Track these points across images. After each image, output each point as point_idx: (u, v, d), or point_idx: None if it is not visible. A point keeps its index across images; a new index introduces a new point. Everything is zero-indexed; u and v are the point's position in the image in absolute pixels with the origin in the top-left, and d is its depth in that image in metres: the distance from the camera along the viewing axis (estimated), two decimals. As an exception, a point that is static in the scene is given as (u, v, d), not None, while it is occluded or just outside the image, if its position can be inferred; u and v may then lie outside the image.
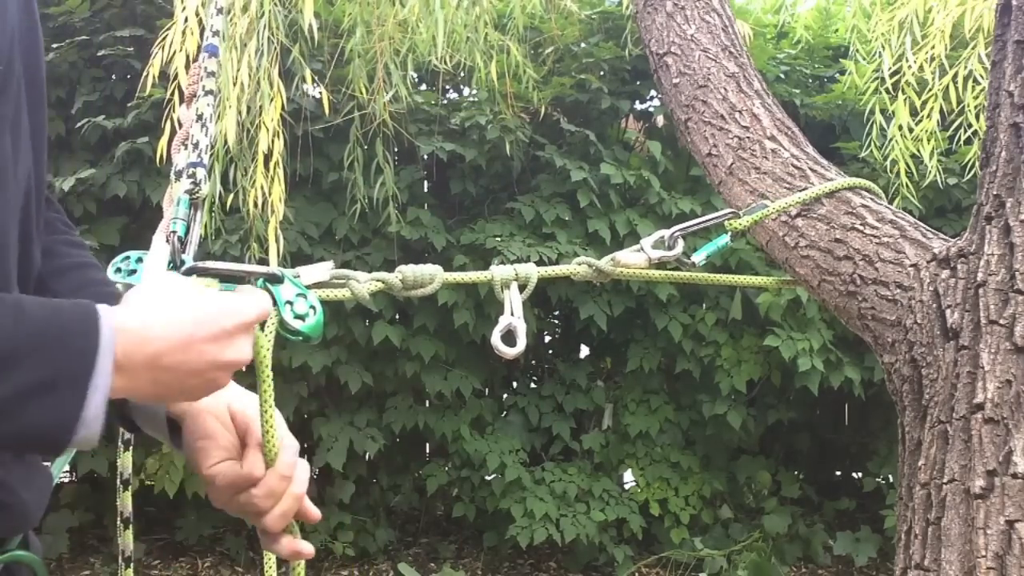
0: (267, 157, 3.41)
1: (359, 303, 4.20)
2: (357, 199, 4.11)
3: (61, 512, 4.41)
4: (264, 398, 0.96)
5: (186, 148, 1.16)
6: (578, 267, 1.45)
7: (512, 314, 1.21)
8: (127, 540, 1.16)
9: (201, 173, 1.14)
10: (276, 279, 1.07)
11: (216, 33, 1.19)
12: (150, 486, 4.28)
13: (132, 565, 1.11)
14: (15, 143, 0.82)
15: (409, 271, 1.24)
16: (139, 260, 1.06)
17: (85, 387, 0.67)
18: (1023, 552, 1.27)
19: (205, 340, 0.75)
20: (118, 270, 1.05)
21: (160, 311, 0.74)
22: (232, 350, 0.77)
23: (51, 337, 0.67)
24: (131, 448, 1.07)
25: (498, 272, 1.29)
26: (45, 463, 0.91)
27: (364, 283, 1.18)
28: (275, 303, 1.07)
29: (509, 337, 1.20)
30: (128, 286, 1.03)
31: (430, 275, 1.24)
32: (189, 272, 1.06)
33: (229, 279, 1.09)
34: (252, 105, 3.36)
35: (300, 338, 1.08)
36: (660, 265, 1.51)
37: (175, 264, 1.06)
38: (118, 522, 1.16)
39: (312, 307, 1.08)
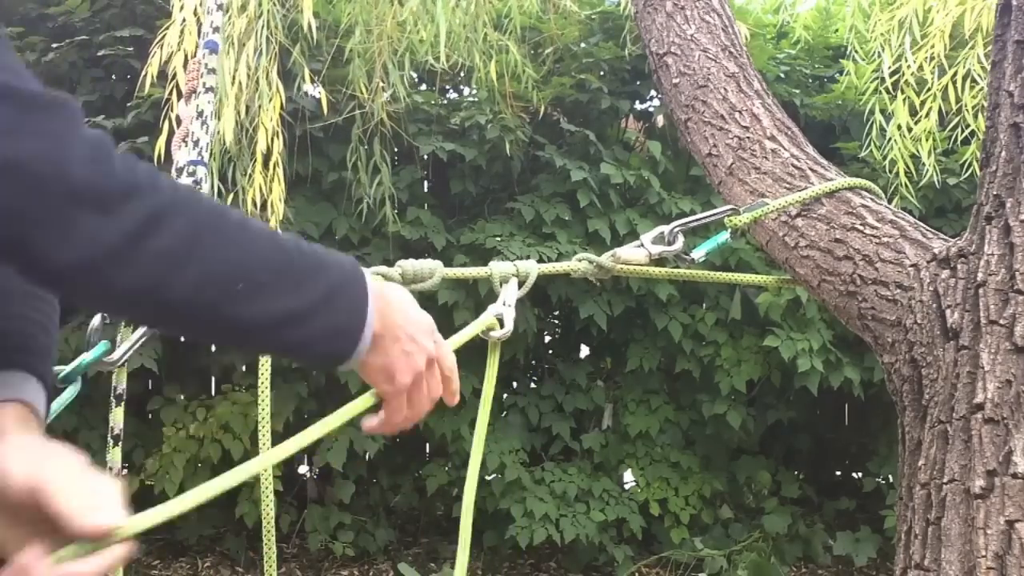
0: (266, 157, 3.41)
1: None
2: (357, 198, 4.11)
3: (61, 512, 4.40)
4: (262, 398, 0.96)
5: (186, 145, 1.16)
6: (579, 264, 1.45)
7: (504, 304, 1.22)
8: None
9: (202, 171, 1.14)
10: None
11: (216, 29, 1.19)
12: (150, 486, 4.28)
13: (120, 444, 1.10)
14: None
15: (409, 265, 1.25)
16: None
17: (366, 301, 0.82)
18: (1023, 552, 1.27)
19: (414, 319, 0.89)
20: None
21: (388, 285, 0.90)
22: (428, 340, 0.90)
23: (333, 258, 0.82)
24: (120, 443, 1.06)
25: (498, 268, 1.29)
26: None
27: (363, 277, 1.18)
28: None
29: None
30: None
31: (430, 270, 1.24)
32: None
33: None
34: (251, 105, 3.36)
35: None
36: (660, 261, 1.51)
37: None
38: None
39: None
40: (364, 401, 0.92)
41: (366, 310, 0.81)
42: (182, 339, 3.11)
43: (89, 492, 0.67)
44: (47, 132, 0.67)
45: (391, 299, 0.86)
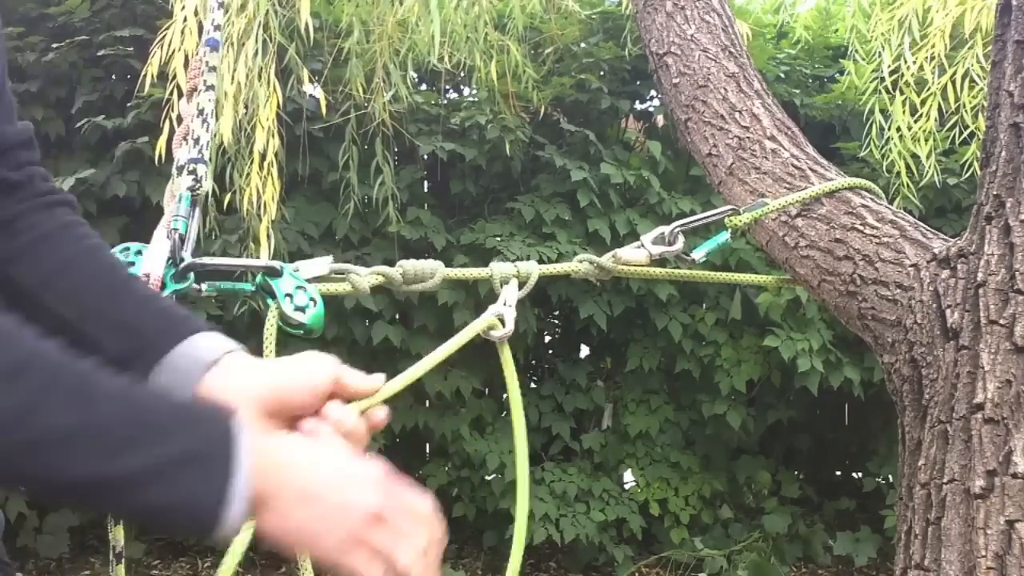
0: (263, 157, 3.41)
1: (359, 303, 4.21)
2: (356, 199, 4.11)
3: (62, 512, 4.40)
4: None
5: (187, 143, 1.16)
6: (579, 264, 1.45)
7: (505, 304, 1.21)
8: (118, 536, 1.15)
9: (202, 169, 1.14)
10: (275, 273, 1.08)
11: (217, 27, 1.19)
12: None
13: (123, 561, 1.10)
14: None
15: (410, 265, 1.25)
16: (138, 252, 1.06)
17: (230, 465, 0.68)
18: (1023, 552, 1.27)
19: (332, 467, 0.75)
20: None
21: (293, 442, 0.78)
22: (360, 492, 0.75)
23: (198, 414, 0.70)
24: None
25: (498, 268, 1.29)
26: None
27: (364, 276, 1.18)
28: (275, 296, 1.08)
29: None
30: None
31: (431, 270, 1.24)
32: (189, 268, 1.06)
33: (228, 275, 1.09)
34: (249, 105, 3.36)
35: (301, 331, 1.08)
36: (661, 262, 1.51)
37: (175, 260, 1.06)
38: (108, 518, 1.15)
39: (312, 299, 1.08)
40: None
41: (230, 474, 0.68)
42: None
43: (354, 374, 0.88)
44: None
45: (289, 459, 0.72)
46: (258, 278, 1.09)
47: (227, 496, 0.67)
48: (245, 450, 0.69)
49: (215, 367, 0.84)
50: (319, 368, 0.85)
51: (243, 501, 0.68)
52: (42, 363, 0.65)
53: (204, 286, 1.09)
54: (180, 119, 1.19)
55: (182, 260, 1.07)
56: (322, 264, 1.16)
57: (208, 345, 0.86)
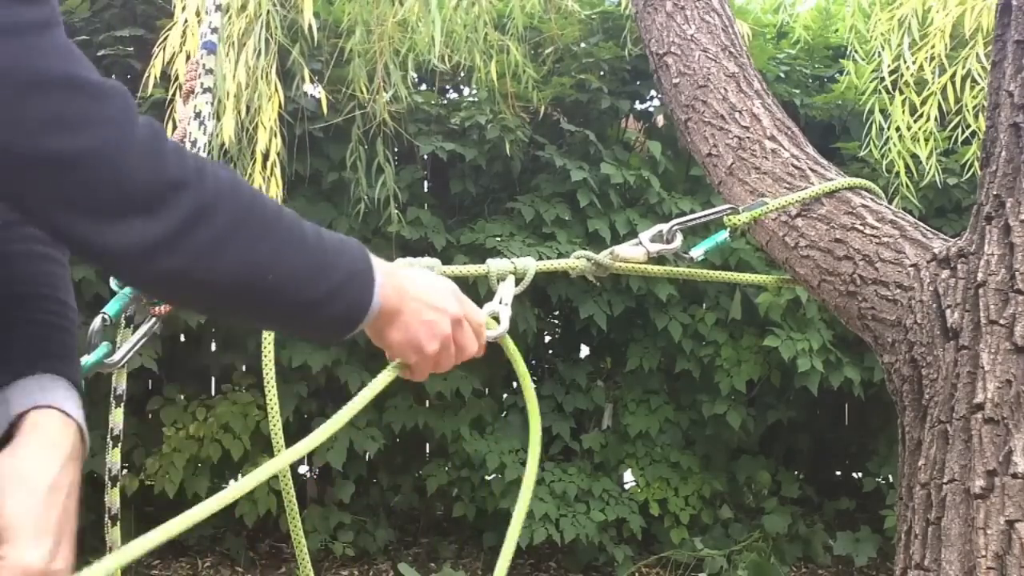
0: (265, 157, 3.41)
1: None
2: (358, 199, 4.11)
3: (61, 512, 4.40)
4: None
5: (184, 145, 1.16)
6: (577, 261, 1.45)
7: (500, 302, 1.21)
8: (115, 537, 1.16)
9: None
10: None
11: (214, 30, 1.19)
12: (150, 486, 4.28)
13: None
14: None
15: (406, 263, 1.24)
16: None
17: (373, 276, 0.91)
18: (1023, 552, 1.27)
19: (428, 287, 0.99)
20: None
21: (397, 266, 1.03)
22: (448, 302, 0.99)
23: (346, 247, 0.90)
24: (119, 444, 1.06)
25: (495, 265, 1.29)
26: None
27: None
28: None
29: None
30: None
31: (427, 267, 1.24)
32: None
33: None
34: (251, 105, 3.36)
35: None
36: (659, 260, 1.51)
37: None
38: (106, 519, 1.15)
39: None
40: (388, 375, 1.03)
41: (371, 293, 0.90)
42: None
43: (32, 530, 0.77)
44: (110, 122, 0.72)
45: (403, 275, 0.95)
46: None
47: (374, 298, 0.90)
48: (376, 267, 0.91)
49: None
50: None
51: (377, 310, 0.91)
52: (238, 197, 0.81)
53: None
54: (179, 121, 1.20)
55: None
56: None
57: (25, 397, 0.85)
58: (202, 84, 1.17)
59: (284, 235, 0.84)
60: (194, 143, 1.15)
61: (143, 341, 1.07)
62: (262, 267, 0.81)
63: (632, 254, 1.47)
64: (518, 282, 1.28)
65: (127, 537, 1.08)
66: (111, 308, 1.03)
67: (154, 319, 1.06)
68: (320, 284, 0.86)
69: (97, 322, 1.06)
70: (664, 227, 1.50)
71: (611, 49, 4.67)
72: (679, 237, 1.50)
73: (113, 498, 1.07)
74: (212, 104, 1.18)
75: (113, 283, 1.06)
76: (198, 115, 1.16)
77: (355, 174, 4.10)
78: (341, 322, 0.90)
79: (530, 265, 1.30)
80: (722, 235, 1.62)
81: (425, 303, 0.96)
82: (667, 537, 4.67)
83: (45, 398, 0.85)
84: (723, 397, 4.62)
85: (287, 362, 4.18)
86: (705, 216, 1.60)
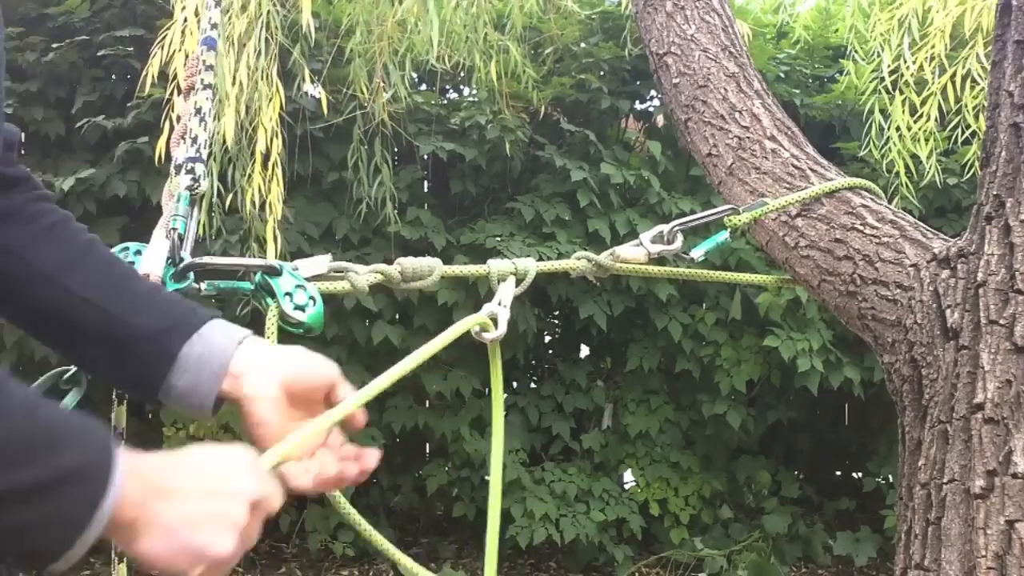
0: (265, 157, 3.41)
1: (359, 303, 4.21)
2: (359, 199, 4.11)
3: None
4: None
5: (185, 142, 1.16)
6: (578, 262, 1.45)
7: (499, 304, 1.21)
8: None
9: (200, 168, 1.14)
10: (274, 272, 1.08)
11: (214, 26, 1.19)
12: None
13: (125, 560, 1.10)
14: None
15: (408, 263, 1.24)
16: (137, 252, 1.06)
17: (106, 485, 0.65)
18: (1023, 552, 1.26)
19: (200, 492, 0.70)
20: None
21: (175, 460, 0.72)
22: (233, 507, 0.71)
23: (79, 430, 0.67)
24: (124, 402, 1.05)
25: (496, 266, 1.28)
26: None
27: (363, 275, 1.18)
28: (274, 295, 1.08)
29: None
30: None
31: (429, 267, 1.24)
32: (188, 267, 1.06)
33: (228, 274, 1.08)
34: (251, 105, 3.36)
35: (301, 330, 1.08)
36: (659, 260, 1.51)
37: (174, 260, 1.05)
38: None
39: (311, 298, 1.08)
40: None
41: (101, 495, 0.64)
42: None
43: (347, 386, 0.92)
44: None
45: (162, 477, 0.69)
46: (257, 277, 1.09)
47: (105, 501, 0.64)
48: (119, 474, 0.65)
49: (245, 343, 0.89)
50: (328, 363, 0.91)
51: (103, 525, 0.65)
52: None
53: (203, 285, 1.09)
54: (179, 118, 1.19)
55: (181, 260, 1.06)
56: (321, 263, 1.15)
57: (231, 327, 0.90)
58: (202, 80, 1.17)
59: None
60: (195, 139, 1.15)
61: None
62: None
63: (633, 255, 1.47)
64: (519, 283, 1.28)
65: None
66: None
67: None
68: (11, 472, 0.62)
69: None
70: (665, 228, 1.50)
71: (611, 49, 4.67)
72: (679, 238, 1.50)
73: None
74: (213, 101, 1.18)
75: None
76: (198, 111, 1.16)
77: (356, 175, 4.11)
78: (39, 533, 0.64)
79: (531, 266, 1.30)
80: (722, 236, 1.62)
81: (204, 490, 0.69)
82: (667, 537, 4.67)
83: (246, 331, 0.90)
84: (723, 397, 4.62)
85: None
86: (706, 217, 1.60)
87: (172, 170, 1.15)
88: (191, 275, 1.06)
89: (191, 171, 1.12)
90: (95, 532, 0.64)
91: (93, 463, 0.65)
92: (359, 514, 1.08)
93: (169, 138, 3.26)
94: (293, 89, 3.83)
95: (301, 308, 1.07)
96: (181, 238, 1.07)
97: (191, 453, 0.72)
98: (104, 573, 4.26)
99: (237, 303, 3.97)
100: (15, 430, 0.64)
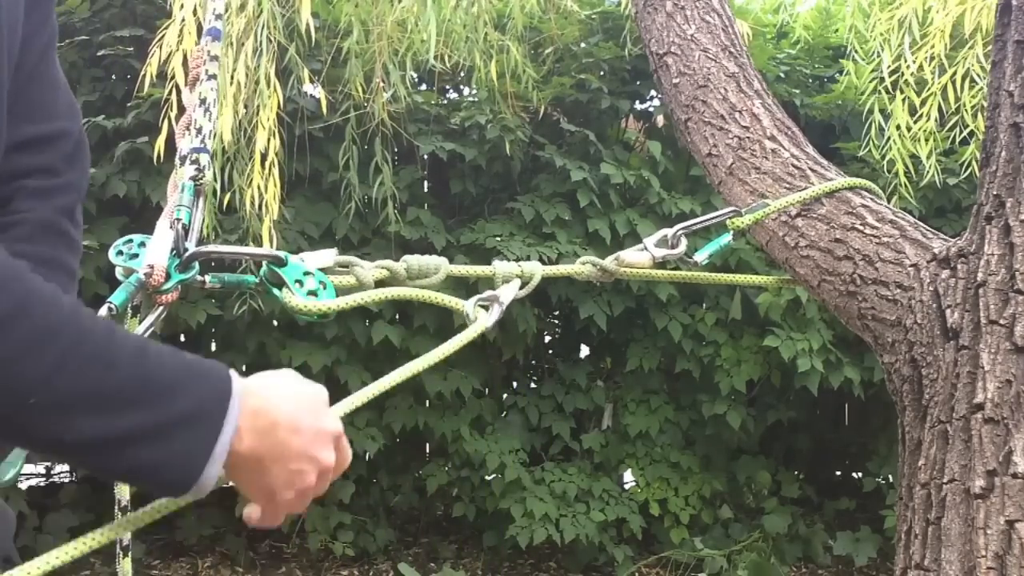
0: (264, 157, 3.41)
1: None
2: (356, 199, 4.11)
3: (62, 512, 4.41)
4: None
5: (189, 133, 1.15)
6: (582, 267, 1.45)
7: (498, 301, 1.20)
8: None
9: (205, 158, 1.13)
10: (280, 262, 1.07)
11: (219, 16, 1.18)
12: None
13: (130, 555, 1.10)
14: None
15: (414, 261, 1.24)
16: (142, 244, 1.05)
17: (220, 426, 0.71)
18: (1023, 552, 1.27)
19: (310, 431, 0.78)
20: (119, 253, 1.04)
21: (282, 391, 0.79)
22: (325, 452, 0.79)
23: (196, 375, 0.72)
24: None
25: (501, 267, 1.28)
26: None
27: (369, 270, 1.18)
28: (281, 286, 1.07)
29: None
30: (130, 270, 1.02)
31: (435, 266, 1.24)
32: (193, 257, 1.05)
33: (232, 267, 1.08)
34: (249, 105, 3.35)
35: (315, 317, 1.07)
36: (663, 264, 1.51)
37: (179, 251, 1.05)
38: (116, 511, 1.15)
39: (322, 283, 1.08)
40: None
41: (212, 441, 0.71)
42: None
43: None
44: None
45: (278, 414, 0.76)
46: (263, 268, 1.08)
47: (217, 445, 0.70)
48: (243, 408, 0.72)
49: None
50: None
51: (221, 463, 0.71)
52: (73, 327, 0.67)
53: (208, 277, 1.08)
54: (183, 110, 1.18)
55: (186, 250, 1.05)
56: (326, 256, 1.15)
57: None
58: (207, 71, 1.16)
59: (100, 355, 0.68)
60: (199, 130, 1.14)
61: (150, 330, 1.06)
62: (27, 382, 0.64)
63: (637, 260, 1.47)
64: (523, 285, 1.28)
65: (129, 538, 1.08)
66: (116, 298, 1.02)
67: (161, 308, 1.05)
68: (144, 414, 0.68)
69: (103, 311, 1.05)
70: (668, 232, 1.50)
71: (611, 49, 4.67)
72: (684, 242, 1.50)
73: (123, 492, 1.07)
74: (217, 91, 1.17)
75: (119, 273, 1.05)
76: (203, 102, 1.15)
77: (347, 173, 4.10)
78: (163, 471, 0.70)
79: (536, 270, 1.30)
80: (725, 238, 1.62)
81: (298, 451, 0.76)
82: (667, 537, 4.67)
83: None
84: (723, 397, 4.62)
85: (287, 361, 4.17)
86: (709, 220, 1.60)
87: (177, 161, 1.14)
88: (196, 265, 1.06)
89: (195, 161, 1.12)
90: (215, 469, 0.71)
91: (207, 409, 0.71)
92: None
93: (169, 138, 3.26)
94: (292, 89, 3.83)
95: (314, 294, 1.06)
96: (186, 228, 1.06)
97: (300, 410, 0.78)
98: (104, 573, 4.26)
99: (234, 304, 3.98)
100: (126, 376, 0.68)
